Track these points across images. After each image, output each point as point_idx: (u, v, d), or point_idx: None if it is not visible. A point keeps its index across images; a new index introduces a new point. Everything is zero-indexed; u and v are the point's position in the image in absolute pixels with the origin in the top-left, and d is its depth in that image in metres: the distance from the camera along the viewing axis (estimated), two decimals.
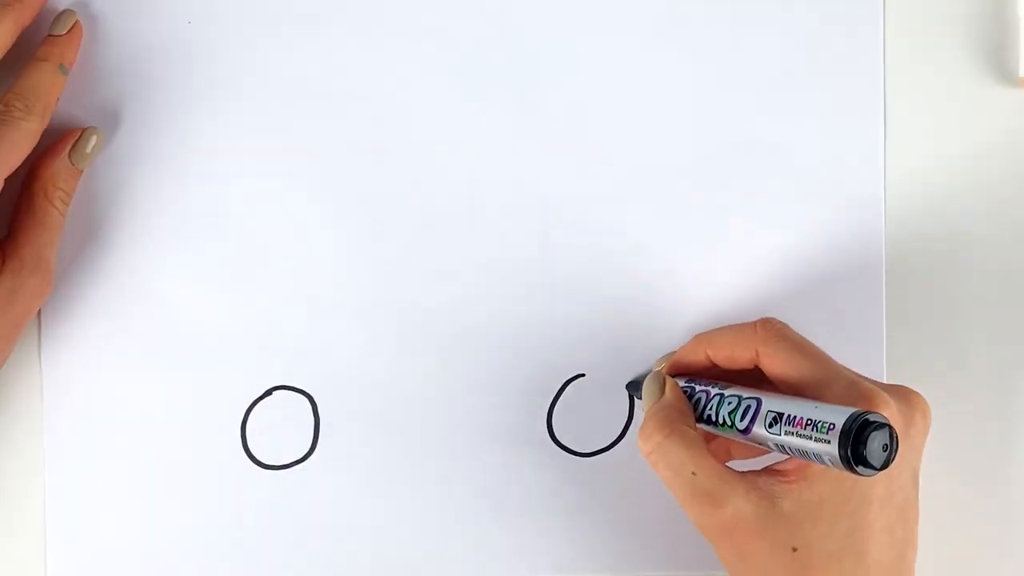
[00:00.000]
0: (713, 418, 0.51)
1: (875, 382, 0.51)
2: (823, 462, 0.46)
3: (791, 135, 0.58)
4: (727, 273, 0.58)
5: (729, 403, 0.50)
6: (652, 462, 0.50)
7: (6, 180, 0.52)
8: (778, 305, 0.58)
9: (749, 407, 0.49)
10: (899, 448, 0.47)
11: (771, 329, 0.52)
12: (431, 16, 0.57)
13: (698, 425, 0.51)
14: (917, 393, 0.51)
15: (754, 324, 0.52)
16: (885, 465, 0.45)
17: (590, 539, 0.57)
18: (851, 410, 0.45)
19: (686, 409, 0.52)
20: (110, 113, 0.57)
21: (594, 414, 0.58)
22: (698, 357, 0.54)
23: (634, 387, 0.57)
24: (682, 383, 0.54)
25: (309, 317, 0.57)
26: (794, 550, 0.48)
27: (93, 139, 0.56)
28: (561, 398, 0.58)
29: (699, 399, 0.52)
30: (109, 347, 0.57)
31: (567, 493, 0.57)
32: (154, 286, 0.57)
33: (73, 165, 0.55)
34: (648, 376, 0.54)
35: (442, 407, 0.57)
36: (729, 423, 0.50)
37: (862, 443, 0.45)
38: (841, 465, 0.45)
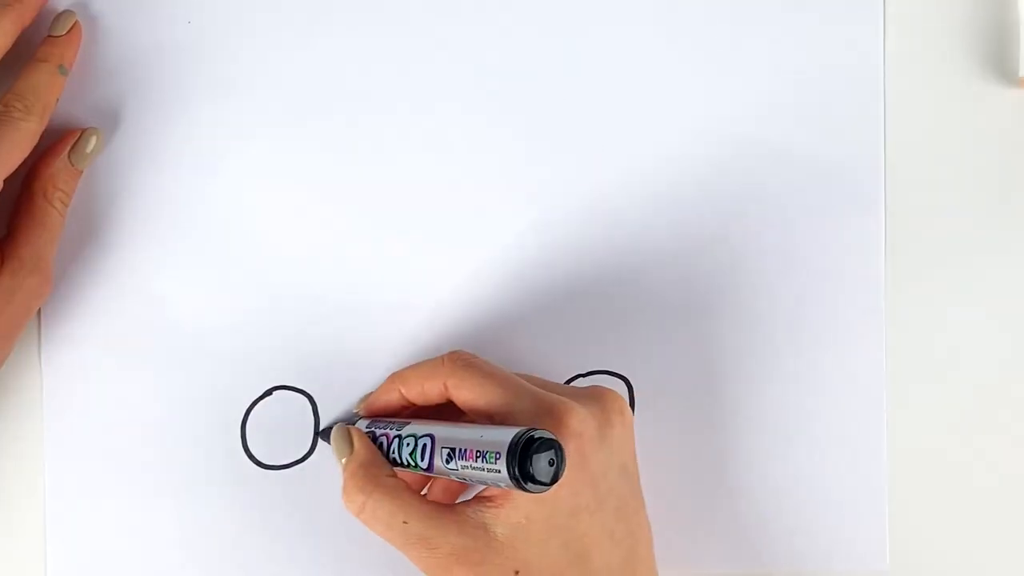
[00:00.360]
0: (398, 460, 0.51)
1: (567, 389, 0.52)
2: (501, 486, 0.46)
3: (791, 135, 0.58)
4: (727, 273, 0.58)
5: (407, 444, 0.50)
6: (363, 520, 0.50)
7: (5, 180, 0.52)
8: (778, 305, 0.58)
9: (425, 445, 0.50)
10: (595, 451, 0.48)
11: (457, 361, 0.52)
12: (431, 16, 0.57)
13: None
14: (612, 392, 0.52)
15: (442, 358, 0.52)
16: (555, 479, 0.45)
17: None
18: (513, 432, 0.46)
19: (379, 460, 0.52)
20: (110, 113, 0.57)
21: None
22: (392, 396, 0.54)
23: (325, 435, 0.56)
24: (364, 427, 0.54)
25: (309, 317, 0.57)
26: (516, 573, 0.48)
27: (93, 139, 0.56)
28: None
29: (381, 443, 0.52)
30: (109, 347, 0.57)
31: None
32: (154, 286, 0.57)
33: (73, 166, 0.55)
34: (333, 430, 0.54)
35: None
36: (412, 463, 0.50)
37: (528, 461, 0.45)
38: (513, 486, 0.45)
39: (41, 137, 0.54)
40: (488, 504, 0.49)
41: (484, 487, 0.50)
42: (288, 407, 0.57)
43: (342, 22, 0.57)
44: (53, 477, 0.57)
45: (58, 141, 0.55)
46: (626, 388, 0.58)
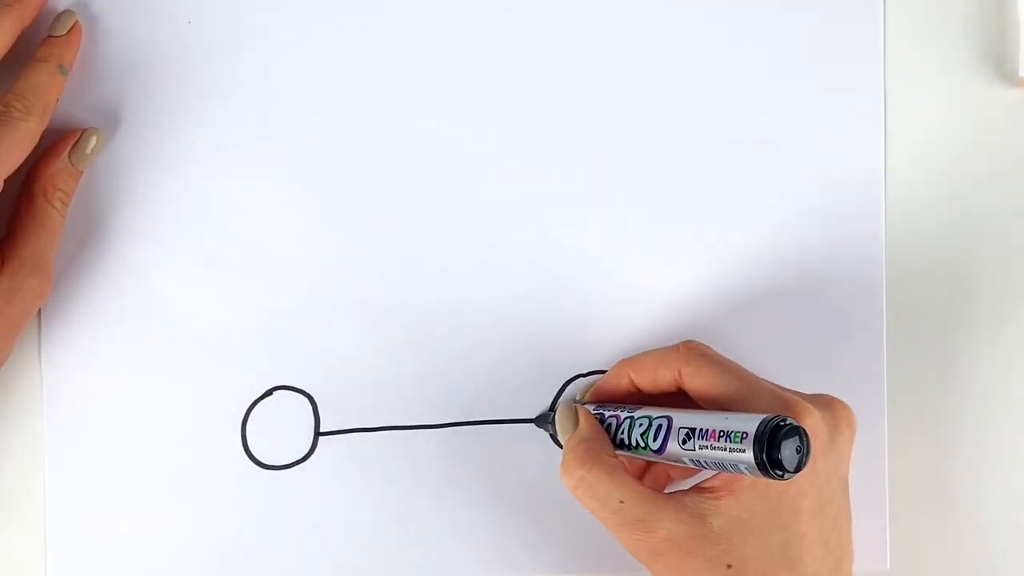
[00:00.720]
0: (627, 441, 0.51)
1: (799, 393, 0.51)
2: (740, 471, 0.46)
3: (791, 134, 0.58)
4: (727, 272, 0.58)
5: (640, 424, 0.50)
6: (578, 496, 0.50)
7: (6, 181, 0.52)
8: (778, 305, 0.58)
9: (661, 426, 0.49)
10: (824, 456, 0.48)
11: (693, 349, 0.52)
12: (432, 16, 0.57)
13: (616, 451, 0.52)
14: (841, 402, 0.52)
15: (677, 346, 0.53)
16: (799, 468, 0.45)
17: (592, 539, 0.57)
18: (761, 416, 0.46)
19: (603, 438, 0.52)
20: (110, 113, 0.57)
21: None
22: (622, 382, 0.54)
23: (542, 420, 0.57)
24: (591, 410, 0.54)
25: (309, 317, 0.57)
26: (728, 567, 0.48)
27: (93, 140, 0.56)
28: (561, 398, 0.58)
29: (610, 424, 0.52)
30: (109, 347, 0.57)
31: (568, 493, 0.57)
32: (154, 286, 0.57)
33: (73, 166, 0.55)
34: (559, 408, 0.54)
35: (442, 407, 0.57)
36: (643, 444, 0.50)
37: (776, 447, 0.45)
38: (757, 471, 0.45)
39: (41, 137, 0.54)
40: (708, 494, 0.49)
41: (703, 479, 0.50)
42: (288, 407, 0.57)
43: (342, 22, 0.57)
44: (53, 477, 0.57)
45: (58, 141, 0.55)
46: None
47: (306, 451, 0.57)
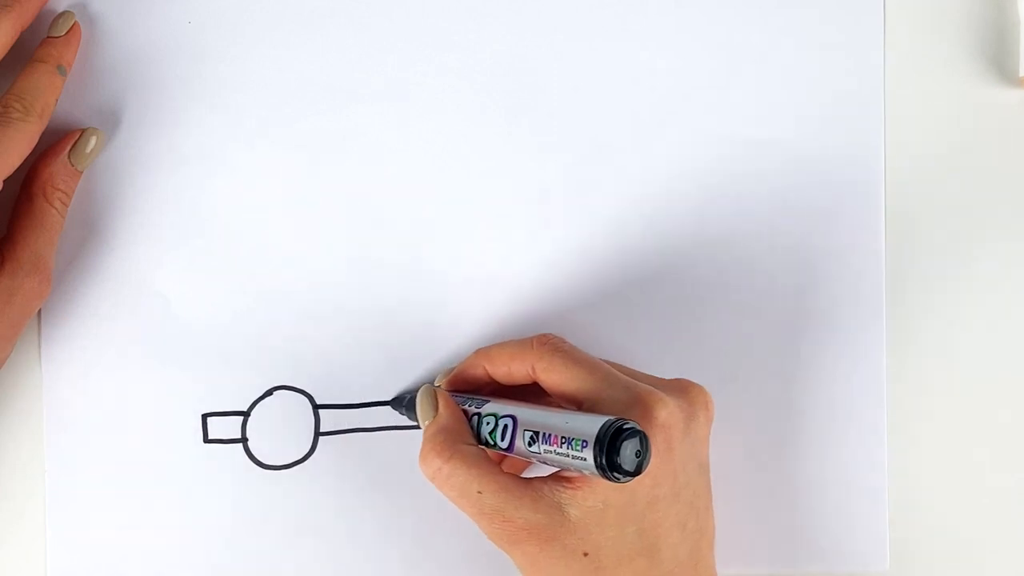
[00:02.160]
0: (477, 438, 0.51)
1: (654, 380, 0.52)
2: (585, 473, 0.46)
3: (791, 134, 0.58)
4: (727, 272, 0.58)
5: (487, 423, 0.51)
6: (437, 485, 0.50)
7: (5, 181, 0.52)
8: (778, 305, 0.58)
9: (507, 426, 0.50)
10: (680, 444, 0.49)
11: (547, 344, 0.52)
12: (432, 16, 0.57)
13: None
14: (698, 386, 0.52)
15: (531, 339, 0.53)
16: (639, 470, 0.46)
17: None
18: (601, 421, 0.46)
19: (462, 427, 0.52)
20: (109, 114, 0.57)
21: None
22: (477, 372, 0.54)
23: (398, 403, 0.57)
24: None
25: (310, 317, 0.57)
26: (585, 555, 0.49)
27: (93, 140, 0.56)
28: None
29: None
30: (109, 347, 0.57)
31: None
32: (154, 286, 0.57)
33: (72, 166, 0.55)
34: (420, 392, 0.54)
35: None
36: (492, 443, 0.50)
37: (615, 451, 0.45)
38: (599, 475, 0.45)
39: (41, 138, 0.54)
40: (566, 485, 0.49)
41: None
42: (288, 407, 0.57)
43: (342, 22, 0.57)
44: (53, 477, 0.57)
45: (58, 142, 0.55)
46: None
47: (306, 451, 0.57)
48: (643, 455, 0.46)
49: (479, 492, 0.49)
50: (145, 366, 0.57)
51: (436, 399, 0.53)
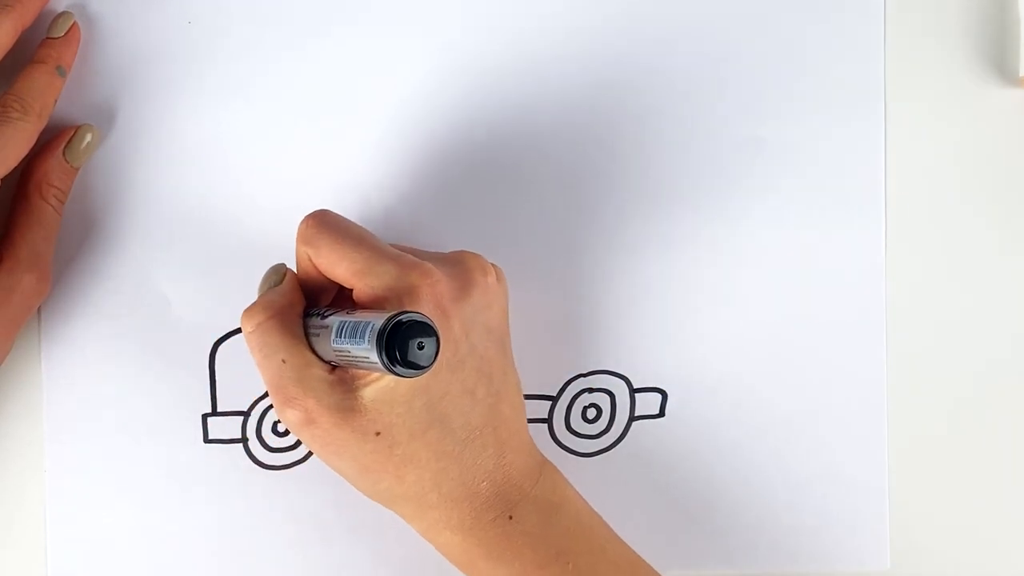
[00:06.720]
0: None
1: (428, 254, 0.52)
2: (383, 371, 0.46)
3: (791, 135, 0.58)
4: (727, 272, 0.58)
5: (313, 332, 0.50)
6: (250, 344, 0.50)
7: (3, 181, 0.53)
8: (777, 305, 0.58)
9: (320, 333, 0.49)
10: (458, 311, 0.48)
11: (310, 225, 0.51)
12: (433, 15, 0.57)
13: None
14: (472, 254, 0.52)
15: (300, 225, 0.51)
16: (432, 361, 0.45)
17: None
18: (380, 320, 0.45)
19: (296, 301, 0.51)
20: (109, 114, 0.57)
21: (594, 415, 0.58)
22: (313, 273, 0.52)
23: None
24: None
25: None
26: (377, 434, 0.49)
27: (88, 136, 0.56)
28: (561, 398, 0.58)
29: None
30: (109, 346, 0.57)
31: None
32: (154, 286, 0.57)
33: (68, 163, 0.55)
34: (270, 267, 0.53)
35: None
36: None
37: (404, 346, 0.44)
38: (392, 373, 0.45)
39: (39, 138, 0.54)
40: None
41: None
42: None
43: (342, 22, 0.57)
44: (53, 476, 0.57)
45: (53, 138, 0.55)
46: (627, 387, 0.58)
47: (306, 451, 0.57)
48: (432, 347, 0.45)
49: (283, 360, 0.49)
50: (145, 366, 0.57)
51: (284, 273, 0.52)
